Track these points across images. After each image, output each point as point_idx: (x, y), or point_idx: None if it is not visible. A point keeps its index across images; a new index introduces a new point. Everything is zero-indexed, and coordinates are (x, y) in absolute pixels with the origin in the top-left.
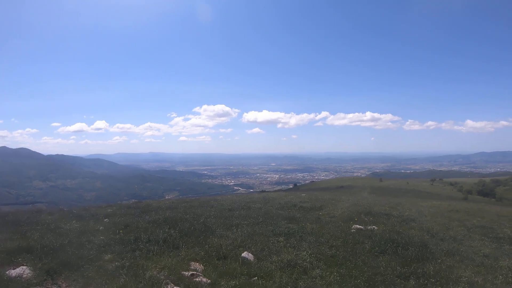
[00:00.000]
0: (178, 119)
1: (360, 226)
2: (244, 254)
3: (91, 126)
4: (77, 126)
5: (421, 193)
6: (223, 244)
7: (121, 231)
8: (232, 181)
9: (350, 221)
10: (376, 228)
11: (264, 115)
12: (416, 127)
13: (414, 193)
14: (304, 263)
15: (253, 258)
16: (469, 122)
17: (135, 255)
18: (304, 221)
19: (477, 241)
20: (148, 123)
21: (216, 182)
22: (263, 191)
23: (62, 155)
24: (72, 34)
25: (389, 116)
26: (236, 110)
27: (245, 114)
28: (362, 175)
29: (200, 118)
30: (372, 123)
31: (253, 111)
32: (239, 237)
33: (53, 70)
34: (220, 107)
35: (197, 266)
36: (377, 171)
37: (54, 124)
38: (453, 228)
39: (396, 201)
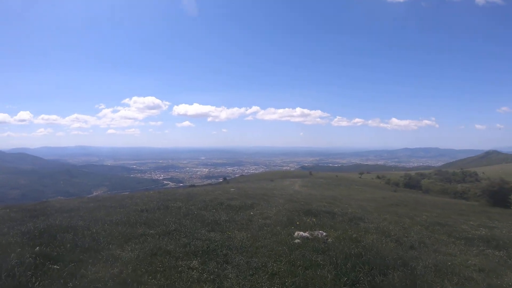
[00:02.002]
0: (107, 111)
1: (305, 234)
2: None
3: (14, 117)
4: None
5: (351, 186)
6: (101, 278)
7: None
8: (162, 176)
9: (291, 225)
10: (325, 234)
11: (195, 108)
12: (344, 123)
13: (345, 186)
14: None
15: None
16: (395, 120)
17: None
18: (231, 227)
19: (451, 246)
20: (75, 115)
21: (145, 177)
22: (192, 186)
23: None
24: None
25: (318, 112)
26: (167, 103)
27: (175, 107)
28: (292, 169)
29: (129, 110)
30: (302, 119)
31: (183, 104)
32: (133, 260)
33: None
34: (150, 99)
35: None
36: (306, 165)
37: None
38: (410, 227)
39: (330, 195)
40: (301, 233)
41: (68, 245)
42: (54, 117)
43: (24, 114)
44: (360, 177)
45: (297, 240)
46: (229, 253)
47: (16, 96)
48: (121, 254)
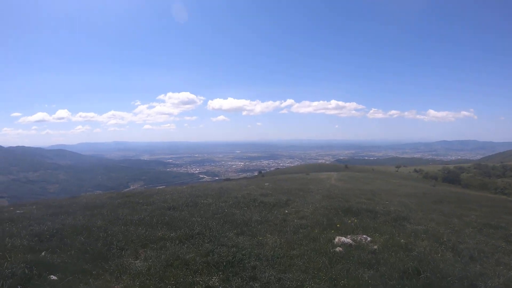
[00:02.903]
0: (142, 107)
1: (347, 239)
2: None
3: (53, 116)
4: (39, 115)
5: (388, 180)
6: None
7: None
8: (198, 169)
9: (330, 228)
10: (369, 239)
11: (229, 103)
12: (380, 115)
13: (382, 180)
14: None
15: None
16: (431, 112)
17: None
18: (263, 229)
19: None
20: (112, 112)
21: (181, 171)
22: (227, 179)
23: (23, 146)
24: (33, 20)
25: (353, 105)
26: (201, 98)
27: (210, 101)
28: (327, 162)
29: (164, 105)
30: (336, 111)
31: (218, 99)
32: (143, 272)
33: (11, 57)
34: (185, 95)
35: None
36: (342, 158)
37: (15, 114)
38: (462, 229)
39: (368, 190)
40: (343, 238)
41: (75, 251)
42: (91, 114)
43: (63, 112)
44: (397, 171)
45: (338, 248)
46: (258, 266)
47: (54, 95)
48: (132, 264)
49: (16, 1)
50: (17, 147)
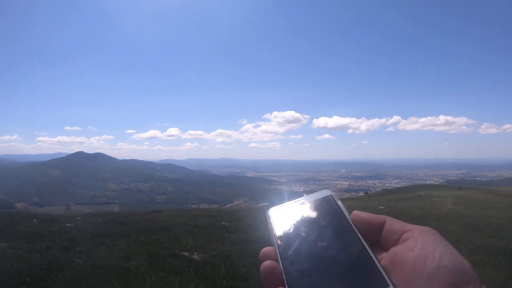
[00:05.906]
0: (249, 126)
1: None
2: None
3: (164, 133)
4: (151, 133)
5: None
6: None
7: None
8: (302, 188)
9: None
10: None
11: (335, 121)
12: (493, 130)
13: (506, 204)
14: None
15: None
16: None
17: None
18: None
19: None
20: (219, 130)
21: (285, 189)
22: None
23: (136, 160)
24: (145, 46)
25: (463, 120)
26: (306, 116)
27: (315, 120)
28: (436, 183)
29: (270, 124)
30: (445, 127)
31: (323, 117)
32: None
33: (127, 80)
34: (290, 114)
35: None
36: (452, 178)
37: (129, 131)
38: None
39: (500, 217)
40: None
41: None
42: (200, 132)
43: (173, 130)
44: None
45: None
46: None
47: (166, 114)
48: None
49: (129, 28)
50: (130, 160)
